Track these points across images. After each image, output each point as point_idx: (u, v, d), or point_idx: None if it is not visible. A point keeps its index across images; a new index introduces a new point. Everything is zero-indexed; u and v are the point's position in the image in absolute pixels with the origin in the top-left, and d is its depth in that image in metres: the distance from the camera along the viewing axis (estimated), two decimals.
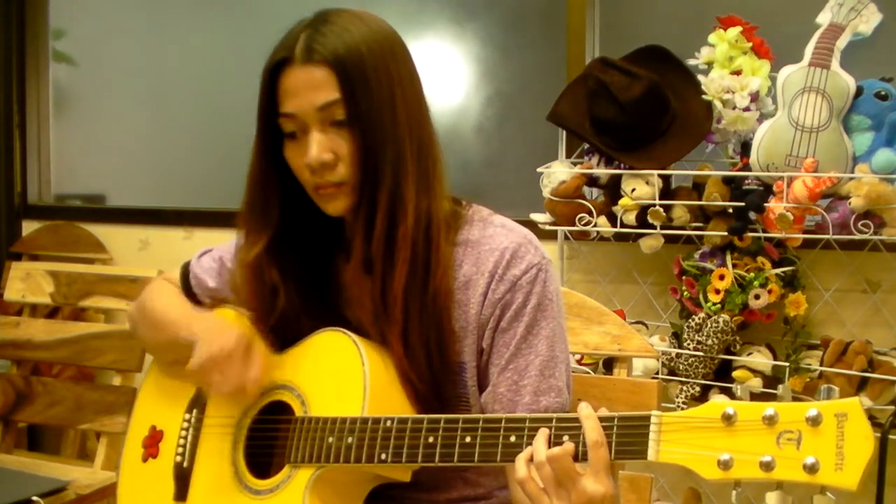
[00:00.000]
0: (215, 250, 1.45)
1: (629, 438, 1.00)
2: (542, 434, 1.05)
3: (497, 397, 1.21)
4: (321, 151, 1.17)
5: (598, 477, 1.02)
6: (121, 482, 1.44)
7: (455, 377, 1.23)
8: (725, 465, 0.93)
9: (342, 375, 1.20)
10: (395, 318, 1.19)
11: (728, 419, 0.94)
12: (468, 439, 1.10)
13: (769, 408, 0.93)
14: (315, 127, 1.18)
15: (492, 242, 1.24)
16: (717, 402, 0.97)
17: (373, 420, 1.15)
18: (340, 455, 1.16)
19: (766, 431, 0.93)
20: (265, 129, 1.23)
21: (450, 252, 1.23)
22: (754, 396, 2.01)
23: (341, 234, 1.29)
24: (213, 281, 1.42)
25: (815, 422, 0.90)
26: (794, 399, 0.97)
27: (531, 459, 1.05)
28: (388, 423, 1.14)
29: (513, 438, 1.08)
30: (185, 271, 1.46)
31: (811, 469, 0.90)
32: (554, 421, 1.06)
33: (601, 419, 1.03)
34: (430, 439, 1.12)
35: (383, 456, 1.14)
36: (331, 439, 1.17)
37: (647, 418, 1.00)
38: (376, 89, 1.18)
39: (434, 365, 1.20)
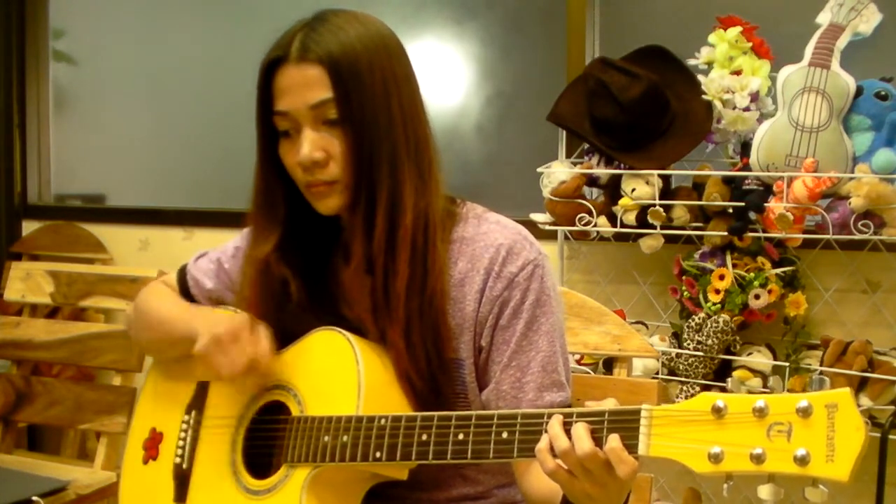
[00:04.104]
0: (212, 252, 1.45)
1: (620, 433, 0.99)
2: (557, 421, 1.03)
3: (501, 395, 1.22)
4: (312, 150, 1.18)
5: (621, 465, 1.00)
6: (122, 484, 1.44)
7: (453, 374, 1.23)
8: (716, 459, 0.93)
9: (337, 374, 1.20)
10: (397, 316, 1.19)
11: (718, 412, 0.94)
12: (461, 436, 1.09)
13: (759, 400, 0.92)
14: (307, 125, 1.18)
15: (486, 239, 1.24)
16: (708, 395, 0.96)
17: (367, 419, 1.16)
18: (336, 454, 1.16)
19: (756, 424, 0.92)
20: (263, 128, 1.24)
21: (445, 250, 1.23)
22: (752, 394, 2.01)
23: (339, 233, 1.29)
24: (211, 282, 1.43)
25: (805, 413, 0.89)
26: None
27: (552, 450, 1.02)
28: (383, 421, 1.14)
29: (505, 435, 1.07)
30: (182, 274, 1.47)
31: (802, 461, 0.89)
32: (545, 416, 1.05)
33: (591, 414, 1.02)
34: (424, 437, 1.12)
35: (378, 454, 1.14)
36: (326, 438, 1.17)
37: (638, 412, 0.99)
38: (370, 89, 1.18)
39: (432, 362, 1.20)
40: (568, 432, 1.01)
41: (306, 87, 1.17)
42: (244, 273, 1.33)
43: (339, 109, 1.17)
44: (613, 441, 0.99)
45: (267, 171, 1.26)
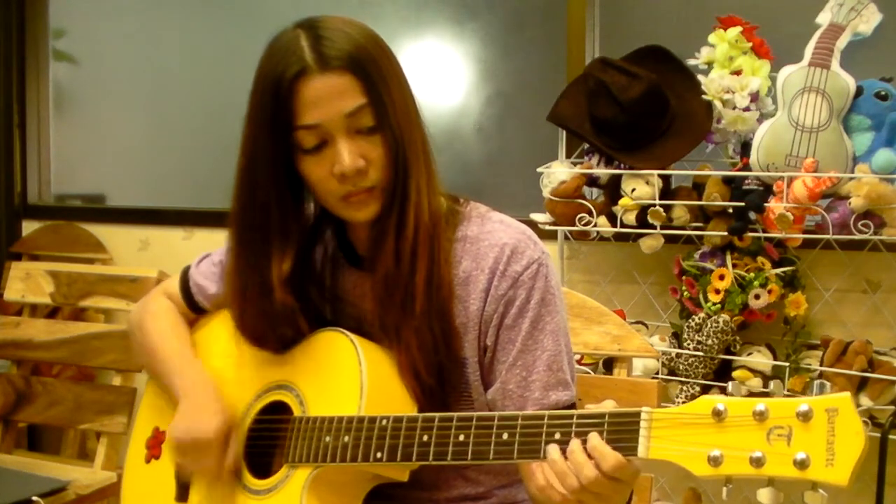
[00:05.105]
0: (214, 254, 1.45)
1: (619, 435, 1.00)
2: (557, 452, 1.04)
3: (507, 394, 1.22)
4: (355, 158, 1.16)
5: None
6: (124, 483, 1.45)
7: (458, 371, 1.23)
8: (715, 462, 0.93)
9: (339, 375, 1.21)
10: (415, 312, 1.19)
11: (718, 415, 0.94)
12: (462, 437, 1.10)
13: (759, 403, 0.92)
14: (341, 134, 1.15)
15: (491, 238, 1.24)
16: (708, 398, 0.96)
17: (369, 419, 1.16)
18: (337, 454, 1.16)
19: (756, 427, 0.92)
20: (277, 147, 1.18)
21: (449, 248, 1.23)
22: (752, 396, 2.01)
23: (315, 238, 1.30)
24: (215, 286, 1.42)
25: (805, 417, 0.90)
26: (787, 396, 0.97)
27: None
28: (384, 421, 1.15)
29: (505, 436, 1.07)
30: (185, 279, 1.46)
31: (801, 465, 0.89)
32: (546, 418, 1.06)
33: (590, 416, 1.02)
34: (425, 438, 1.12)
35: (379, 455, 1.14)
36: (328, 439, 1.18)
37: (638, 415, 0.99)
38: (393, 89, 1.18)
39: (442, 358, 1.20)
40: (566, 444, 1.02)
41: (338, 96, 1.14)
42: (250, 304, 1.27)
43: (375, 114, 1.16)
44: (593, 439, 1.00)
45: (281, 193, 1.21)
